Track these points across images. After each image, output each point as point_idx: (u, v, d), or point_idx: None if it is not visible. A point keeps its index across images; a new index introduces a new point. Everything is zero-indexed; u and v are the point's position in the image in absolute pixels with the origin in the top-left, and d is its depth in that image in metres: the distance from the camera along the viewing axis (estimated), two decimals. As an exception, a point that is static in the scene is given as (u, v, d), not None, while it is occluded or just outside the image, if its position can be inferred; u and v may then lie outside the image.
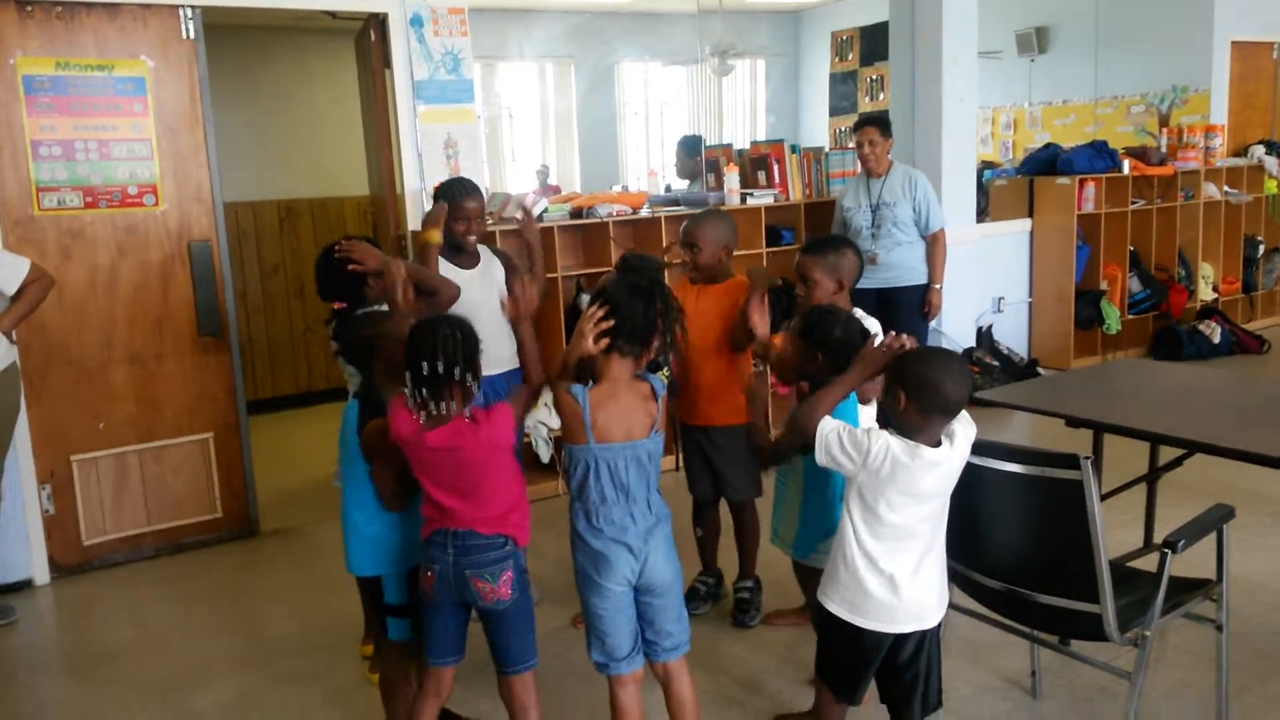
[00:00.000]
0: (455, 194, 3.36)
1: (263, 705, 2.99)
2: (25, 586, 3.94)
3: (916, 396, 2.06)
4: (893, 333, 2.23)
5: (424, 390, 2.14)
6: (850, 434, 2.10)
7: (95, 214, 4.00)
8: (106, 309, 4.06)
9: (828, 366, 2.40)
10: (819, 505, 2.63)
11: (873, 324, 2.80)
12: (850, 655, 2.17)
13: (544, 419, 4.55)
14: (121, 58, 3.99)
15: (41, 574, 4.00)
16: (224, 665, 3.25)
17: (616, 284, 2.33)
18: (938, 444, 2.08)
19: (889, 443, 2.06)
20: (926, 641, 2.16)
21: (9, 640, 3.54)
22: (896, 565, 2.09)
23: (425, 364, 2.12)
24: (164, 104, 4.08)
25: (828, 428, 2.12)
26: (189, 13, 4.08)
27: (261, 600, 3.77)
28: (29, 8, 3.80)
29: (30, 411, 3.90)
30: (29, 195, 3.88)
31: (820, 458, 2.14)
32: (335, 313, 2.97)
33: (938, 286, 4.88)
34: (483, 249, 3.49)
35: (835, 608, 2.15)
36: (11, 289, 3.56)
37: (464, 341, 2.17)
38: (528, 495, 2.37)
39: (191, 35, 4.10)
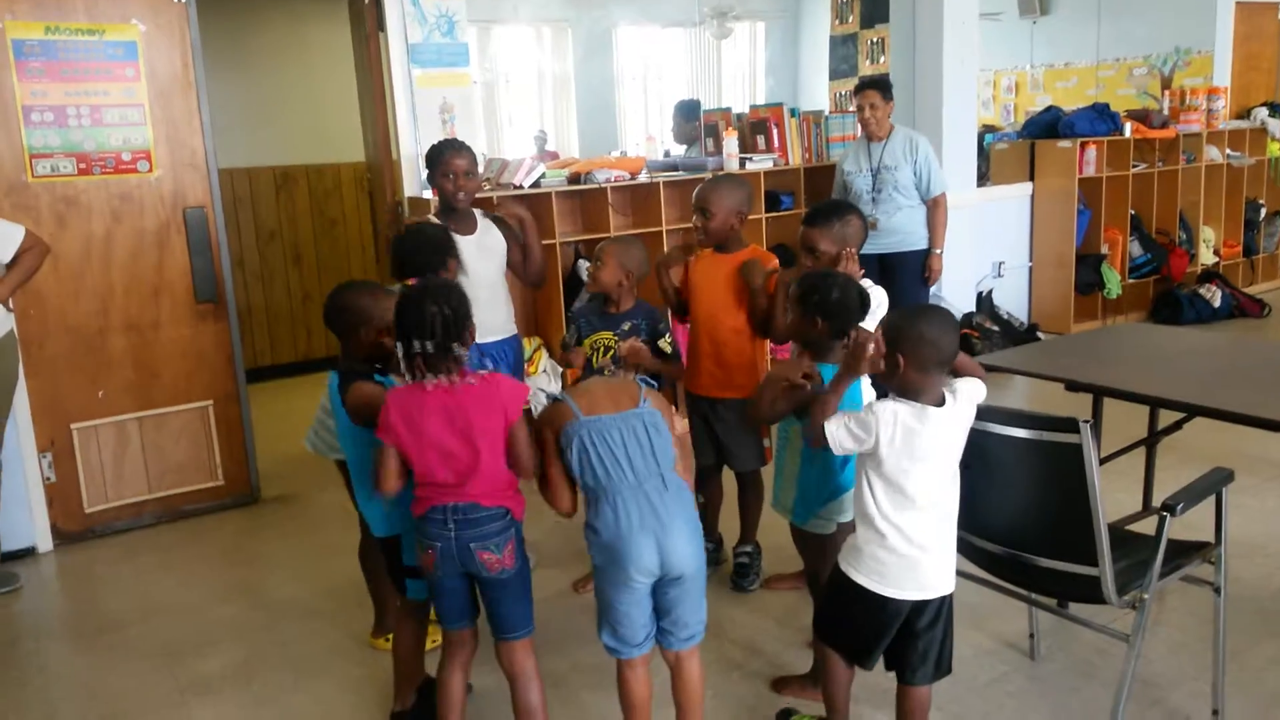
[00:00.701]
0: (441, 150, 3.35)
1: (265, 670, 3.01)
2: (29, 554, 3.96)
3: (914, 356, 2.05)
4: (866, 333, 2.19)
5: (416, 362, 2.14)
6: (856, 420, 2.08)
7: (89, 180, 3.97)
8: (103, 276, 4.04)
9: (828, 330, 2.39)
10: (818, 473, 2.63)
11: (877, 292, 2.78)
12: (872, 622, 2.16)
13: (543, 385, 4.55)
14: (112, 21, 3.93)
15: (44, 542, 4.01)
16: (227, 631, 3.27)
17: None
18: (942, 401, 2.08)
19: (896, 411, 2.05)
20: (944, 608, 2.16)
21: (14, 607, 3.56)
22: (923, 533, 2.09)
23: (416, 342, 2.12)
24: (156, 69, 4.03)
25: (833, 426, 2.11)
26: (180, -25, 4.03)
27: (263, 566, 3.79)
28: (17, -30, 3.75)
29: (29, 380, 3.89)
30: (22, 162, 3.84)
31: (837, 451, 2.13)
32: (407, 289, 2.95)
33: (938, 251, 4.85)
34: (480, 215, 3.47)
35: (863, 579, 2.12)
36: (6, 257, 3.54)
37: (453, 316, 2.14)
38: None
39: (183, -2, 4.05)
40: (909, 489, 2.07)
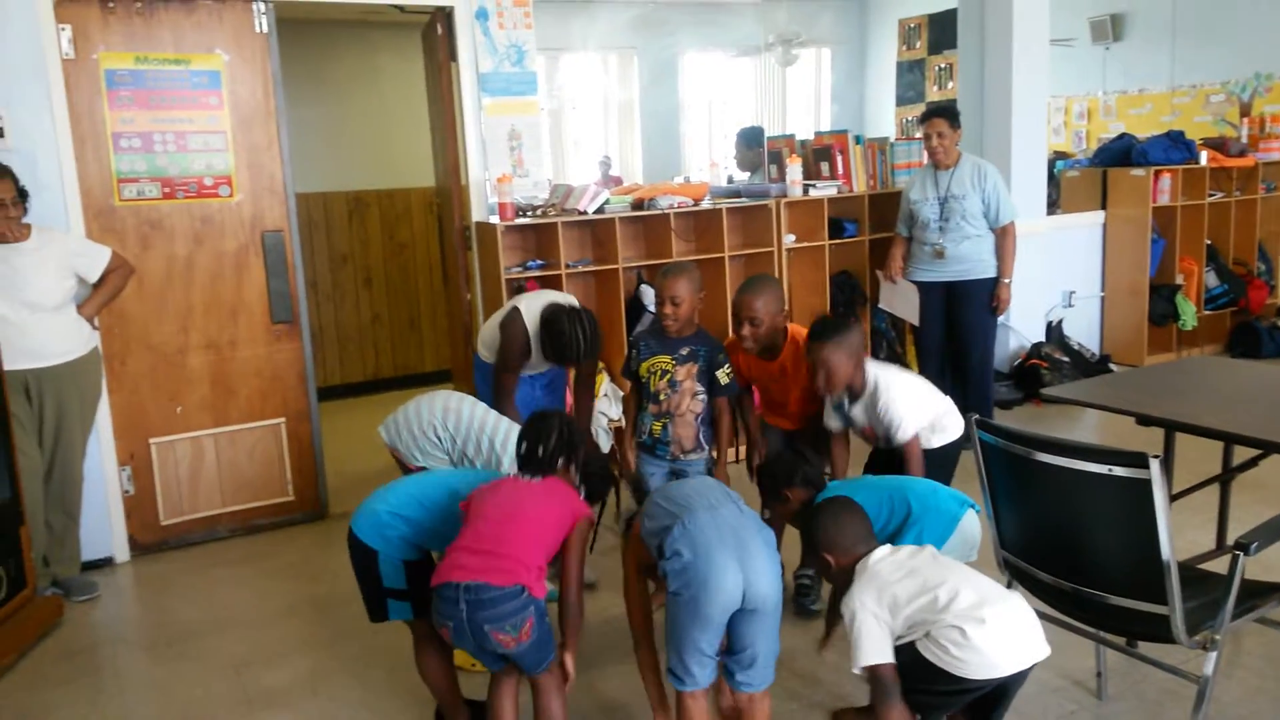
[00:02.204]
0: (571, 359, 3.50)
1: (330, 685, 3.07)
2: (107, 564, 4.10)
3: (834, 549, 2.30)
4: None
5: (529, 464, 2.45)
6: (871, 637, 2.15)
7: (173, 204, 4.12)
8: (183, 297, 4.18)
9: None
10: (935, 524, 2.66)
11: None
12: (960, 696, 2.13)
13: (604, 409, 4.57)
14: (198, 52, 4.10)
15: (122, 552, 4.15)
16: (294, 644, 3.34)
17: None
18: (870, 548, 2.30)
19: (862, 600, 2.17)
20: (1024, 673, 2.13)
21: (92, 615, 3.68)
22: (981, 609, 2.07)
23: (540, 449, 2.43)
24: (238, 97, 4.19)
25: (868, 655, 2.16)
26: (262, 7, 4.18)
27: (331, 581, 3.86)
28: (111, 4, 3.92)
29: (111, 396, 4.05)
30: (110, 186, 4.01)
31: (888, 629, 2.18)
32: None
33: (1007, 280, 4.79)
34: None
35: (961, 671, 2.07)
36: (94, 277, 3.70)
37: (566, 444, 2.46)
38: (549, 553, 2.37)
39: (264, 29, 4.20)
40: (938, 595, 2.10)
